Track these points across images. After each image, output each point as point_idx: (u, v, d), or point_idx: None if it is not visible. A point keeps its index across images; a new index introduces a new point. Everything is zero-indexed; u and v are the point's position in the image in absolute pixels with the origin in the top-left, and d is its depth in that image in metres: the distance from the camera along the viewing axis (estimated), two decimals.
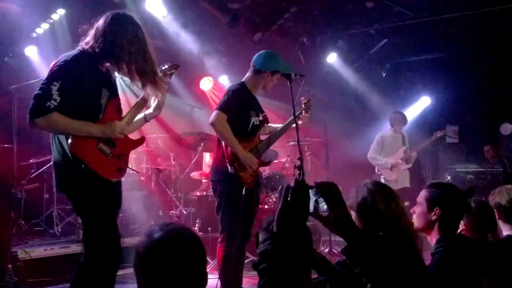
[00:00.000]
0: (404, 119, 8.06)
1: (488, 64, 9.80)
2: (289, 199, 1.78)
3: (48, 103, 3.12)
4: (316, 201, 1.96)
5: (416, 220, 2.91)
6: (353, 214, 2.53)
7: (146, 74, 3.47)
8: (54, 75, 3.22)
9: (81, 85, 3.26)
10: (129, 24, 3.43)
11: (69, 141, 3.24)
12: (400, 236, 2.41)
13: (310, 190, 1.90)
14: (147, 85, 3.52)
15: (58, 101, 3.14)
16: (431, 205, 2.84)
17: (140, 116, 3.76)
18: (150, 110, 3.80)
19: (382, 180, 7.79)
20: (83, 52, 3.38)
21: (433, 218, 2.82)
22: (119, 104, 3.61)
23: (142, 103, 3.69)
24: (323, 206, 1.96)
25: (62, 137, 3.31)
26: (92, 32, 3.42)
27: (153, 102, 3.75)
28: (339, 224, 1.99)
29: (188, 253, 1.75)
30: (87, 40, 3.41)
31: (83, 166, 3.23)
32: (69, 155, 3.24)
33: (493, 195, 3.59)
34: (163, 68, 3.89)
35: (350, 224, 2.00)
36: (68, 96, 3.19)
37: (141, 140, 3.79)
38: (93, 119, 3.34)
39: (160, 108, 3.78)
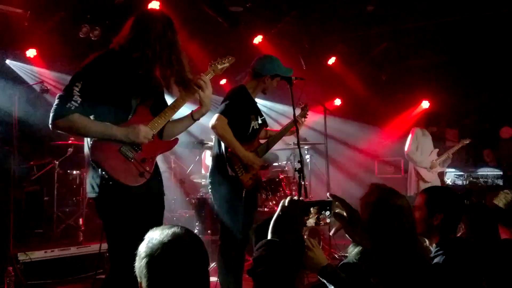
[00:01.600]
0: (442, 121, 7.80)
1: (488, 67, 9.81)
2: (285, 210, 1.89)
3: (69, 104, 3.03)
4: (318, 218, 2.04)
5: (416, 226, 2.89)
6: (362, 211, 2.51)
7: (167, 75, 3.32)
8: (78, 75, 3.13)
9: (107, 85, 3.15)
10: (159, 21, 3.28)
11: (91, 144, 3.15)
12: (409, 246, 2.42)
13: (312, 207, 2.00)
14: (171, 86, 3.36)
15: (79, 102, 3.05)
16: (432, 210, 2.83)
17: (186, 115, 3.58)
18: (198, 108, 3.57)
19: (420, 182, 7.53)
20: (112, 51, 3.28)
21: (435, 223, 2.81)
22: (153, 103, 3.41)
23: (180, 104, 3.45)
24: (324, 222, 2.05)
25: (87, 141, 3.21)
26: (123, 30, 3.31)
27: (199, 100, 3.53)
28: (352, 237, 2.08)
29: (189, 256, 1.74)
30: (118, 39, 3.30)
31: (103, 173, 3.11)
32: (91, 161, 3.15)
33: (491, 198, 3.59)
34: (215, 61, 3.74)
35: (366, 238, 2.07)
36: (92, 96, 3.09)
37: (174, 142, 3.54)
38: (122, 120, 3.23)
39: (206, 106, 3.52)
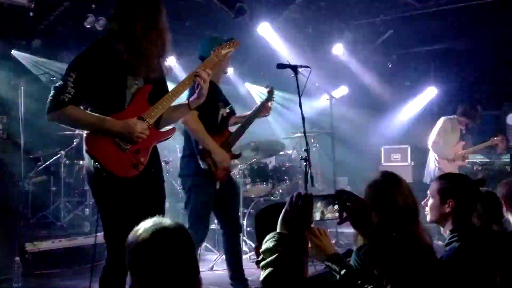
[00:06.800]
0: (478, 117, 7.65)
1: (495, 54, 9.74)
2: (292, 205, 1.93)
3: (62, 96, 3.04)
4: (322, 212, 2.06)
5: (429, 213, 2.88)
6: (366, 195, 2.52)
7: (141, 54, 3.19)
8: (72, 66, 3.14)
9: (101, 74, 3.12)
10: (143, 3, 3.20)
11: (85, 135, 3.15)
12: (408, 227, 2.42)
13: (320, 200, 2.02)
14: (139, 66, 3.22)
15: (72, 93, 3.04)
16: (444, 197, 2.80)
17: (182, 103, 3.46)
18: (195, 97, 3.41)
19: (438, 172, 7.19)
20: (104, 39, 3.26)
21: (447, 210, 2.79)
22: (152, 91, 3.30)
23: (179, 92, 3.34)
24: (332, 215, 2.06)
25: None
26: (110, 16, 3.30)
27: (196, 88, 3.39)
28: (361, 229, 2.10)
29: (173, 248, 1.79)
30: (106, 25, 3.37)
31: (97, 164, 3.09)
32: (85, 151, 3.16)
33: (500, 186, 3.57)
34: (219, 46, 3.60)
35: (372, 228, 2.09)
36: (86, 87, 3.09)
37: (171, 131, 3.47)
38: (117, 108, 3.18)
39: (204, 95, 3.37)
